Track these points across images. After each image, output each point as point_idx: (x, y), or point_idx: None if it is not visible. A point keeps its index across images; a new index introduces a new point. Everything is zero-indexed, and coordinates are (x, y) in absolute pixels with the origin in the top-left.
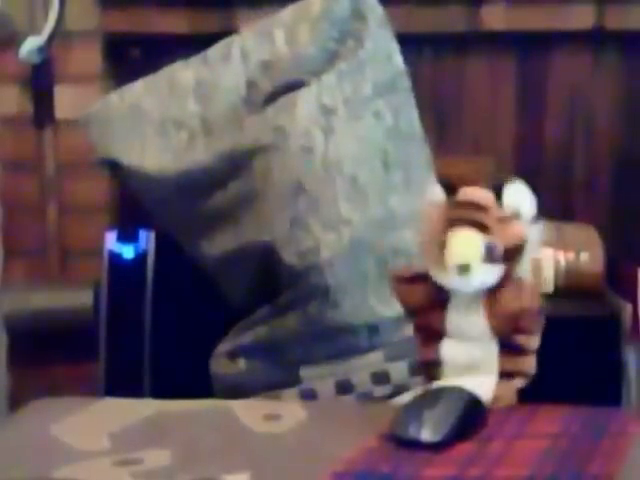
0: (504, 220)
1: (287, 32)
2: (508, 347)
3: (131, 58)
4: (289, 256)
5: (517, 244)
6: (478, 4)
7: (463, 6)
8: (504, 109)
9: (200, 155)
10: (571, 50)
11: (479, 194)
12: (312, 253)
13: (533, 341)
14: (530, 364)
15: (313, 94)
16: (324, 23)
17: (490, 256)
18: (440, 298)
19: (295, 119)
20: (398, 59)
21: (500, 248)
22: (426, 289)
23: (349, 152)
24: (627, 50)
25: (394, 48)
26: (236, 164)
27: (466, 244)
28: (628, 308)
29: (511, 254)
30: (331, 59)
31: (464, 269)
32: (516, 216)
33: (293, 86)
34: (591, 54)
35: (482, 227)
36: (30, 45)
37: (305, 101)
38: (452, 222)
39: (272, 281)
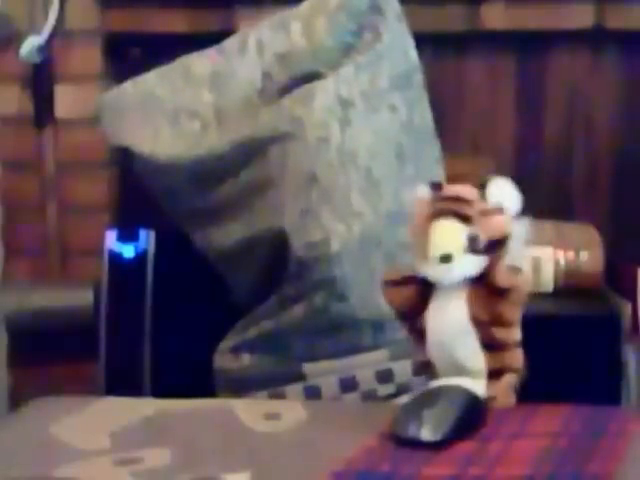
0: (486, 212)
1: (304, 24)
2: (489, 344)
3: (131, 58)
4: (298, 246)
5: (500, 236)
6: (478, 3)
7: (463, 5)
8: (503, 108)
9: (214, 143)
10: (571, 49)
11: (462, 188)
12: (322, 244)
13: (514, 334)
14: (516, 358)
15: (331, 86)
16: (342, 16)
17: (472, 246)
18: (427, 297)
19: (312, 110)
20: (413, 54)
21: (482, 238)
22: (415, 290)
23: (365, 144)
24: (627, 49)
25: (410, 43)
26: (251, 152)
27: (448, 234)
28: (628, 307)
29: (494, 246)
30: (348, 52)
31: (446, 259)
32: (499, 210)
33: (309, 78)
34: (591, 53)
35: (464, 218)
36: (30, 45)
37: (323, 92)
38: (435, 214)
39: (279, 273)
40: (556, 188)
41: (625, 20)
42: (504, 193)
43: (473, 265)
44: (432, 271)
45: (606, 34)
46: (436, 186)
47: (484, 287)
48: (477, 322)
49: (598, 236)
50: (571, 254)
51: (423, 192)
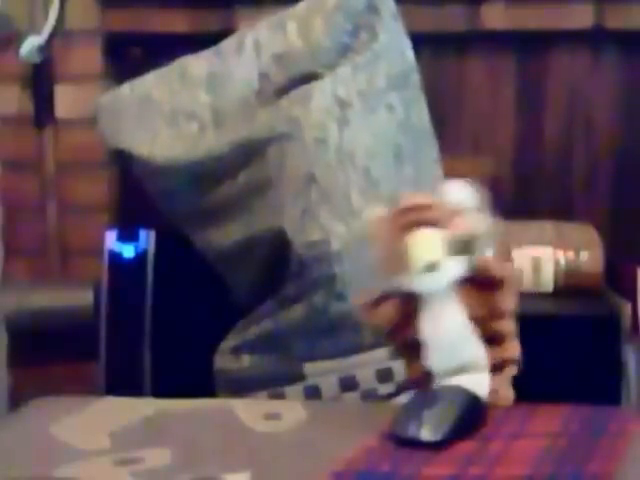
0: (454, 213)
1: (301, 25)
2: (488, 338)
3: (131, 57)
4: (298, 246)
5: (474, 232)
6: (478, 3)
7: (463, 5)
8: (504, 108)
9: (212, 145)
10: (571, 49)
11: (420, 196)
12: (321, 244)
13: (510, 325)
14: (514, 349)
15: (328, 86)
16: (338, 16)
17: (452, 249)
18: (411, 309)
19: (310, 110)
20: (410, 54)
21: (459, 239)
22: (394, 306)
23: (363, 144)
24: (627, 49)
25: (406, 43)
26: (249, 153)
27: (426, 243)
28: (628, 307)
29: (471, 244)
30: (345, 52)
31: (432, 267)
32: (464, 208)
33: (307, 78)
34: (591, 53)
35: (435, 224)
36: (30, 45)
37: (320, 93)
38: (404, 228)
39: (279, 273)
40: (556, 188)
41: (625, 20)
42: (460, 192)
43: (458, 267)
44: (419, 283)
45: (606, 34)
46: (391, 202)
47: (475, 284)
48: (475, 319)
49: (598, 236)
50: (571, 254)
51: (379, 211)
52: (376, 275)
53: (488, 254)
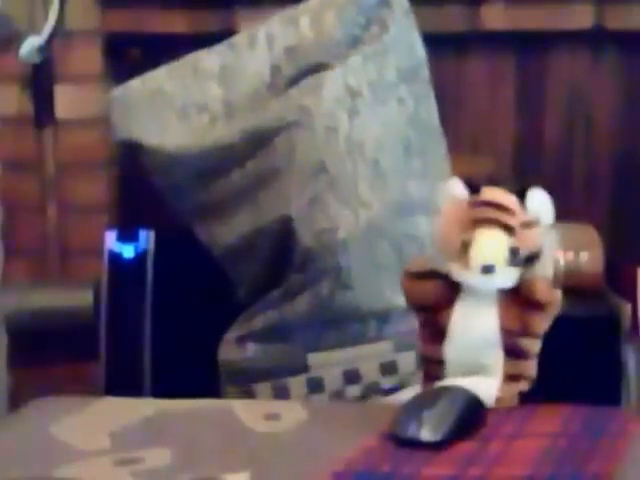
0: (527, 225)
1: (313, 18)
2: (512, 351)
3: (131, 58)
4: (305, 235)
5: (537, 249)
6: (477, 4)
7: (462, 6)
8: (503, 109)
9: (221, 134)
10: (571, 50)
11: (505, 196)
12: (328, 233)
13: (537, 345)
14: (532, 368)
15: (339, 76)
16: (351, 9)
17: (513, 259)
18: (450, 297)
19: (321, 99)
20: (420, 50)
21: (522, 251)
22: (437, 286)
23: (372, 135)
24: (627, 50)
25: (417, 38)
26: (258, 142)
27: (493, 245)
28: (627, 308)
29: (531, 259)
30: (355, 45)
31: (489, 269)
32: (537, 222)
33: (317, 69)
34: (591, 54)
35: (507, 229)
36: (30, 45)
37: (332, 82)
38: (477, 221)
39: (284, 264)
40: (556, 188)
41: (625, 20)
42: (543, 205)
43: (511, 277)
44: (472, 279)
45: (606, 34)
46: (474, 188)
47: (517, 297)
48: (505, 330)
49: (598, 236)
50: (571, 254)
51: (459, 190)
52: (433, 249)
53: (541, 274)
